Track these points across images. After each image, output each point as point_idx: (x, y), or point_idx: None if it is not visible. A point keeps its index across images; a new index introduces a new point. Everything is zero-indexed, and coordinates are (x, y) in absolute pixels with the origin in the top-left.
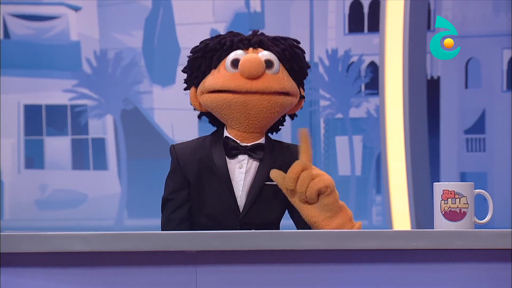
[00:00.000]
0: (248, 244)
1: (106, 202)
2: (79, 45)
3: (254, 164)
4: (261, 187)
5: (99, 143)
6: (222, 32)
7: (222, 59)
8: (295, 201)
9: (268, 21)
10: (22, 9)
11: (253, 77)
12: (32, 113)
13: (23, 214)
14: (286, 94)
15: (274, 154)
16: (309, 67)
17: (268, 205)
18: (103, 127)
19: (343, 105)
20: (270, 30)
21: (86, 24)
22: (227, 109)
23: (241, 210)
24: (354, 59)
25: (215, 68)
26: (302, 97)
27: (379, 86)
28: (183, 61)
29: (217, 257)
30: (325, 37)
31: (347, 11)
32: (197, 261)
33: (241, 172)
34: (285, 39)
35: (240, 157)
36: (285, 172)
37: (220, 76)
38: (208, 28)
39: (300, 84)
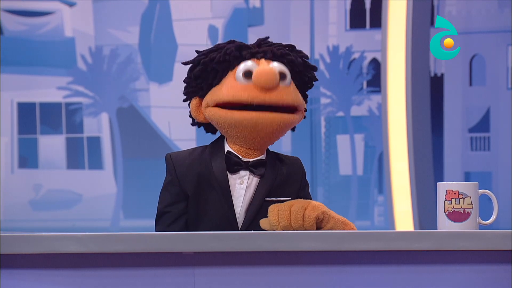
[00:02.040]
0: (247, 245)
1: (101, 202)
2: (73, 41)
3: (255, 180)
4: (260, 203)
5: (95, 142)
6: (220, 29)
7: (231, 70)
8: None
9: (267, 17)
10: (15, 4)
11: (268, 89)
12: (25, 111)
13: (16, 215)
14: (294, 110)
15: (275, 170)
16: (316, 80)
17: None
18: (99, 125)
19: (344, 103)
20: (270, 26)
21: (81, 20)
22: (234, 128)
23: (239, 226)
24: (356, 55)
25: (219, 80)
26: (305, 109)
27: (381, 83)
28: (180, 57)
29: (215, 258)
30: (326, 33)
31: (348, 7)
32: (195, 262)
33: (242, 188)
34: (294, 49)
35: (242, 172)
36: (285, 186)
37: (231, 87)
38: (206, 24)
39: (304, 96)
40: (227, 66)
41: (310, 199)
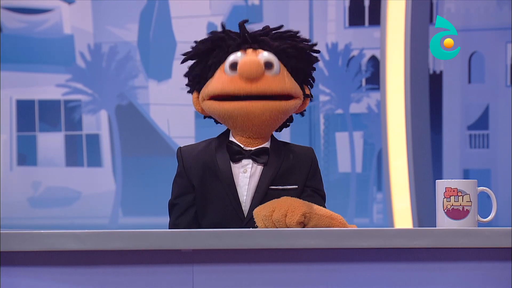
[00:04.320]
0: (246, 243)
1: (100, 199)
2: (72, 38)
3: (259, 169)
4: (265, 191)
5: (93, 139)
6: (219, 27)
7: (221, 63)
8: None
9: (266, 14)
10: (14, 2)
11: (252, 79)
12: (24, 109)
13: (15, 212)
14: (288, 97)
15: (280, 158)
16: (317, 61)
17: None
18: (97, 123)
19: (343, 101)
20: (269, 23)
21: (80, 17)
22: (229, 119)
23: (245, 215)
24: (355, 53)
25: (213, 73)
26: (307, 95)
27: (380, 81)
28: (179, 55)
29: (214, 256)
30: (325, 30)
31: (347, 4)
32: (194, 260)
33: (245, 176)
34: (291, 35)
35: (244, 161)
36: (291, 174)
37: (219, 80)
38: (205, 22)
39: (305, 82)
40: (217, 59)
41: (321, 189)
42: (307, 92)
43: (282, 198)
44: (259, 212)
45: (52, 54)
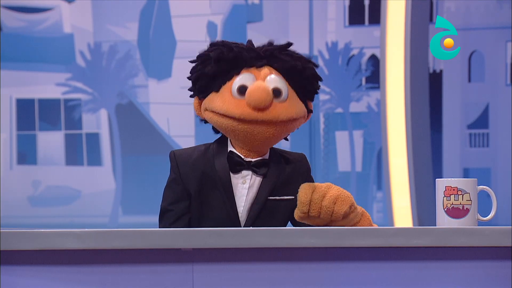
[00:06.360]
0: (246, 242)
1: (100, 198)
2: (72, 37)
3: (258, 180)
4: (263, 203)
5: (93, 138)
6: (219, 26)
7: (229, 80)
8: (318, 224)
9: (266, 13)
10: (14, 1)
11: (260, 108)
12: (24, 107)
13: (15, 211)
14: (293, 120)
15: (278, 169)
16: (320, 80)
17: (270, 221)
18: (97, 121)
19: (343, 99)
20: (269, 23)
21: (80, 16)
22: (231, 133)
23: (242, 226)
24: (355, 52)
25: (218, 88)
26: (310, 110)
27: (380, 79)
28: (179, 54)
29: (214, 255)
30: (325, 29)
31: (347, 3)
32: (194, 259)
33: (244, 187)
34: (297, 55)
35: (244, 172)
36: (288, 184)
37: (224, 100)
38: (205, 21)
39: (310, 98)
40: (225, 76)
41: None
42: (310, 107)
43: (326, 183)
44: (307, 196)
45: (52, 53)
